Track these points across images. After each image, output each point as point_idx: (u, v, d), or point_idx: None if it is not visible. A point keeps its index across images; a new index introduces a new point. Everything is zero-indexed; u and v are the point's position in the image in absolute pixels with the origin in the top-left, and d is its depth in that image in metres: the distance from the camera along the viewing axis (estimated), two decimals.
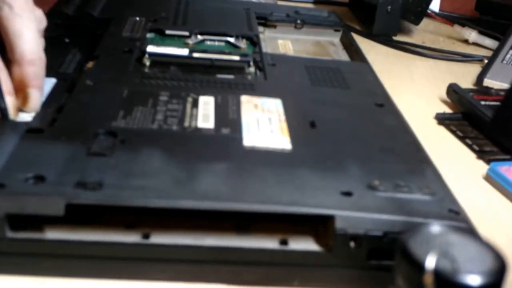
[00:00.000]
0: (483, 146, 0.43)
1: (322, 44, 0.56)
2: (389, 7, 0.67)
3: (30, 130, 0.31)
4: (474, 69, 0.60)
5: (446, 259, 0.21)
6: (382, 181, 0.29)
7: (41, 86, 0.34)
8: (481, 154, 0.42)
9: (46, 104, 0.35)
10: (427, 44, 0.67)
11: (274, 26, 0.57)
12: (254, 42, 0.49)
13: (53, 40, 0.45)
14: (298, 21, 0.57)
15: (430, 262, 0.21)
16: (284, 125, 0.34)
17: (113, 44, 0.44)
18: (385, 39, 0.67)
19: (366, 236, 0.26)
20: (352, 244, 0.27)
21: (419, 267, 0.21)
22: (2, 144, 0.29)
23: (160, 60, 0.43)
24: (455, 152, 0.43)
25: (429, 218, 0.27)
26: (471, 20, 0.75)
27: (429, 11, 0.73)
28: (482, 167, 0.41)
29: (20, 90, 0.33)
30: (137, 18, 0.50)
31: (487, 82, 0.56)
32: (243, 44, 0.48)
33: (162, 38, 0.48)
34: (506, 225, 0.35)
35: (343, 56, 0.54)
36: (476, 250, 0.22)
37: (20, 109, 0.33)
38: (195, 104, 0.36)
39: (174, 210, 0.26)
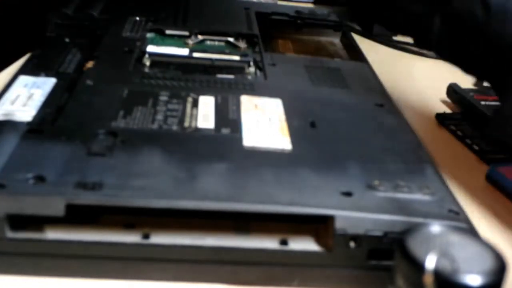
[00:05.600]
0: (483, 146, 0.43)
1: (322, 44, 0.56)
2: None
3: (30, 130, 0.31)
4: None
5: (446, 259, 0.21)
6: (382, 181, 0.29)
7: None
8: (481, 154, 0.42)
9: (46, 104, 0.35)
10: None
11: (274, 26, 0.57)
12: (254, 42, 0.49)
13: (53, 40, 0.46)
14: (298, 21, 0.57)
15: (430, 262, 0.21)
16: (284, 125, 0.34)
17: (113, 44, 0.44)
18: (385, 39, 0.67)
19: (366, 236, 0.26)
20: (352, 244, 0.27)
21: (419, 267, 0.21)
22: (2, 144, 0.29)
23: (160, 60, 0.43)
24: (455, 152, 0.43)
25: (429, 218, 0.27)
26: None
27: None
28: (482, 167, 0.41)
29: None
30: (137, 18, 0.50)
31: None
32: (243, 44, 0.48)
33: (162, 38, 0.48)
34: (506, 225, 0.35)
35: (343, 56, 0.54)
36: (476, 250, 0.22)
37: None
38: (195, 104, 0.36)
39: (174, 210, 0.26)
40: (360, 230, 0.26)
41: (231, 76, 0.42)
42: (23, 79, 0.38)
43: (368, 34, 0.68)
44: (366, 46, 0.62)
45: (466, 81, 0.57)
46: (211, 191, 0.27)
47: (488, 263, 0.21)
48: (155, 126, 0.33)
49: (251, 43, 0.49)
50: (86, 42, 0.45)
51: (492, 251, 0.22)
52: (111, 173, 0.28)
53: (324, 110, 0.37)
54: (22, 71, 0.39)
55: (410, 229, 0.23)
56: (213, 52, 0.46)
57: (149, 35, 0.48)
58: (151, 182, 0.27)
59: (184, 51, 0.45)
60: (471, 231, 0.26)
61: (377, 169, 0.31)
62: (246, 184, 0.28)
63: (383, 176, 0.30)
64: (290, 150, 0.32)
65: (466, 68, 0.38)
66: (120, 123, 0.32)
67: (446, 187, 0.30)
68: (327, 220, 0.27)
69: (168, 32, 0.49)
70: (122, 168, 0.28)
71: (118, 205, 0.26)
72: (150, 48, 0.44)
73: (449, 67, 0.62)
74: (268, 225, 0.28)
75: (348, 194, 0.28)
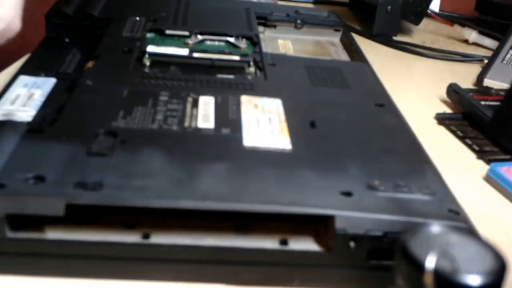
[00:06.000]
0: (483, 146, 0.43)
1: (322, 44, 0.56)
2: (389, 7, 0.67)
3: (30, 130, 0.31)
4: (474, 69, 0.60)
5: (446, 259, 0.21)
6: (382, 181, 0.29)
7: None
8: (481, 154, 0.42)
9: (46, 104, 0.35)
10: (427, 44, 0.67)
11: (274, 26, 0.57)
12: (254, 42, 0.49)
13: (53, 40, 0.46)
14: (298, 21, 0.57)
15: (430, 262, 0.21)
16: (284, 125, 0.34)
17: (113, 44, 0.44)
18: (385, 39, 0.67)
19: (366, 236, 0.26)
20: (352, 244, 0.27)
21: (419, 267, 0.21)
22: (2, 144, 0.29)
23: (160, 60, 0.43)
24: (455, 152, 0.43)
25: (429, 218, 0.27)
26: (471, 20, 0.75)
27: (429, 11, 0.73)
28: (482, 167, 0.41)
29: None
30: (137, 18, 0.50)
31: (487, 82, 0.56)
32: (243, 44, 0.48)
33: (162, 38, 0.48)
34: (506, 226, 0.35)
35: (343, 56, 0.54)
36: (476, 250, 0.22)
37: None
38: (195, 104, 0.36)
39: (174, 210, 0.26)
40: (360, 230, 0.26)
41: (231, 76, 0.42)
42: (23, 79, 0.38)
43: (368, 34, 0.68)
44: (366, 46, 0.62)
45: (466, 81, 0.57)
46: (211, 191, 0.27)
47: (488, 263, 0.21)
48: (155, 126, 0.33)
49: (251, 43, 0.49)
50: (86, 42, 0.45)
51: (492, 251, 0.22)
52: (111, 173, 0.28)
53: (324, 110, 0.37)
54: (22, 71, 0.39)
55: (410, 229, 0.23)
56: (213, 52, 0.46)
57: (149, 35, 0.48)
58: (151, 182, 0.27)
59: (184, 51, 0.45)
60: (471, 231, 0.26)
61: (377, 169, 0.31)
62: (246, 184, 0.28)
63: (383, 176, 0.30)
64: (290, 150, 0.32)
65: None
66: (120, 123, 0.32)
67: (446, 187, 0.30)
68: (327, 220, 0.27)
69: (168, 32, 0.49)
70: (122, 168, 0.28)
71: (118, 205, 0.26)
72: (150, 48, 0.44)
73: (449, 67, 0.62)
74: (268, 225, 0.28)
75: (348, 194, 0.28)
